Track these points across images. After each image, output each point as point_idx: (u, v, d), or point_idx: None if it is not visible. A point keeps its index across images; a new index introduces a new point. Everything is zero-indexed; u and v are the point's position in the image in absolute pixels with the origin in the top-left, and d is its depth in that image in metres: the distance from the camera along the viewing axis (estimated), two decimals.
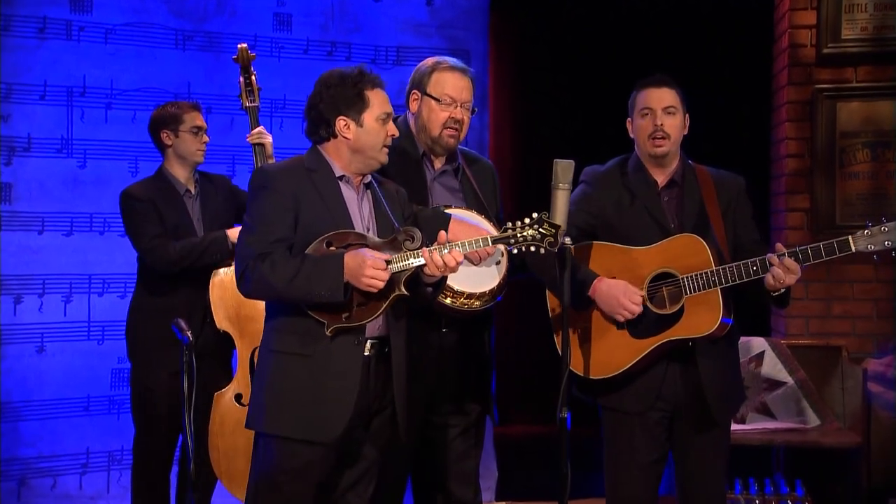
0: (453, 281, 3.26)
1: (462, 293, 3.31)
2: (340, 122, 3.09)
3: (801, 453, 4.76)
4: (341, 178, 3.12)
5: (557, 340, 3.42)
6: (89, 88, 5.08)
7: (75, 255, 5.07)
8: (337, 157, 3.12)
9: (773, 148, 5.42)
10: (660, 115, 3.36)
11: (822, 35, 5.04)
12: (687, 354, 3.33)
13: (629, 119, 3.47)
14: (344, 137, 3.09)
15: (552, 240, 3.03)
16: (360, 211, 3.12)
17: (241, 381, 3.99)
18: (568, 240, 3.13)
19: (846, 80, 5.06)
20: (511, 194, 5.75)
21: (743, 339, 4.71)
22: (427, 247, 3.01)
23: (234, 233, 3.99)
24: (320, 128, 3.11)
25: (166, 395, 4.04)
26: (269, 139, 4.14)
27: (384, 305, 3.00)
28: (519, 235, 3.04)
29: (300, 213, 3.03)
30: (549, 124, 6.16)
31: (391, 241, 3.03)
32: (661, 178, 3.43)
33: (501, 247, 3.29)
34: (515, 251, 3.06)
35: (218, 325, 3.97)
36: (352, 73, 3.09)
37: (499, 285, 3.37)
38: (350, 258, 2.95)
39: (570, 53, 6.11)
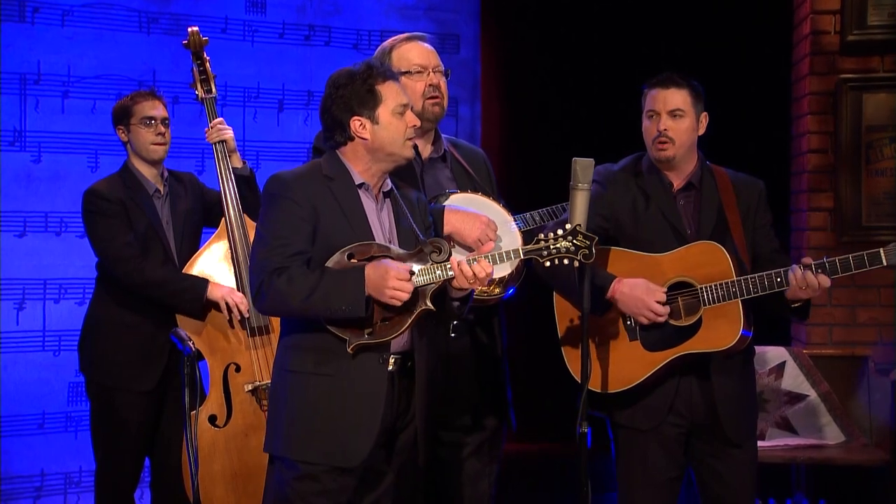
0: None
1: (491, 280, 3.26)
2: (355, 123, 3.11)
3: (825, 472, 4.76)
4: (361, 186, 3.14)
5: (565, 351, 3.44)
6: (45, 75, 5.02)
7: (29, 257, 5.02)
8: (356, 161, 3.14)
9: (794, 143, 5.41)
10: (664, 118, 3.41)
11: (846, 21, 5.00)
12: (701, 367, 3.37)
13: None
14: (361, 138, 3.11)
15: (587, 252, 3.06)
16: (381, 222, 3.15)
17: (214, 401, 3.96)
18: None
19: (872, 69, 5.04)
20: (503, 186, 5.76)
21: (761, 348, 4.74)
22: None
23: (216, 289, 3.94)
24: (336, 132, 3.14)
25: (138, 418, 4.00)
26: (229, 133, 4.10)
27: (409, 321, 3.03)
28: (552, 247, 3.06)
29: (318, 224, 3.06)
30: (545, 114, 6.19)
31: (417, 254, 3.06)
32: (676, 180, 3.47)
33: (516, 232, 3.36)
34: (548, 264, 3.07)
35: None
36: (360, 70, 3.12)
37: (517, 269, 3.39)
38: (371, 270, 2.98)
39: (568, 39, 6.12)
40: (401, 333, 3.02)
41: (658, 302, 3.28)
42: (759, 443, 4.53)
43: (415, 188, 3.41)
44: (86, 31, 5.05)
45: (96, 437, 4.09)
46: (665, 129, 3.39)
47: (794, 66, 5.39)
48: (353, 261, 3.02)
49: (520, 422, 3.63)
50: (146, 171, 4.10)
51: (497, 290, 3.38)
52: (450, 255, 3.02)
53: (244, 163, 4.15)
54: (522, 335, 4.25)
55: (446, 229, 3.28)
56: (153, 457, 4.12)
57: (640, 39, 5.73)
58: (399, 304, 2.96)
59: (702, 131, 3.47)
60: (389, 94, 3.09)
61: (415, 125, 3.12)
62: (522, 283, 3.48)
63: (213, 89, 4.12)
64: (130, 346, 4.00)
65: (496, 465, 3.63)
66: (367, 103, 3.07)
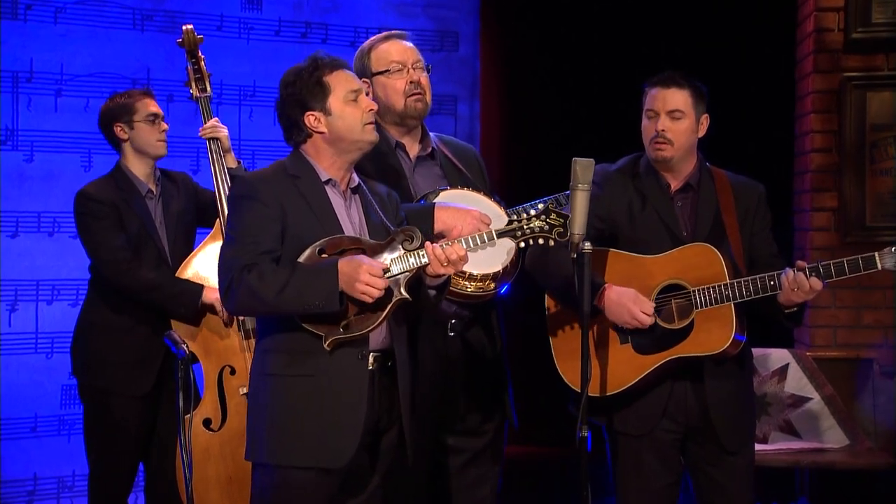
0: (471, 266, 3.31)
1: (486, 275, 3.36)
2: (310, 118, 3.14)
3: (829, 476, 4.77)
4: (328, 182, 3.16)
5: (556, 354, 3.46)
6: (37, 73, 5.06)
7: (21, 258, 5.05)
8: (319, 157, 3.17)
9: (797, 142, 5.45)
10: (663, 119, 3.43)
11: (850, 18, 5.03)
12: (695, 371, 3.39)
13: None
14: (318, 133, 3.14)
15: (561, 230, 3.10)
16: (350, 218, 3.17)
17: (208, 405, 3.99)
18: (588, 244, 3.17)
19: (877, 67, 5.07)
20: (503, 185, 5.78)
21: (764, 350, 4.75)
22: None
23: (210, 293, 3.97)
24: (293, 131, 3.18)
25: (132, 422, 4.03)
26: (224, 132, 4.14)
27: (385, 313, 3.04)
28: (526, 227, 3.10)
29: (287, 223, 3.08)
30: (545, 113, 6.18)
31: (388, 243, 3.07)
32: (674, 181, 3.50)
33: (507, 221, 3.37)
34: (522, 244, 3.13)
35: None
36: (307, 64, 3.17)
37: (512, 264, 3.42)
38: (345, 264, 3.00)
39: (568, 38, 6.13)
40: (377, 326, 3.03)
41: (644, 312, 3.29)
42: (762, 446, 4.58)
43: (404, 188, 3.46)
44: (79, 29, 5.08)
45: (90, 442, 4.12)
46: (663, 130, 3.40)
47: (798, 64, 5.42)
48: (323, 255, 3.03)
49: (519, 424, 3.64)
50: (139, 171, 4.13)
51: (492, 286, 3.41)
52: (423, 242, 3.03)
53: (239, 162, 4.18)
54: (520, 336, 4.27)
55: (437, 227, 3.28)
56: (148, 461, 4.15)
57: (640, 39, 5.74)
58: (370, 300, 2.97)
59: (702, 133, 3.49)
60: (338, 82, 3.11)
61: (371, 109, 3.13)
62: (520, 283, 3.51)
63: (208, 88, 4.15)
64: (124, 350, 4.04)
65: (499, 467, 3.65)
66: (317, 96, 3.09)
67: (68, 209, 4.17)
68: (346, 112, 3.10)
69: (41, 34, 5.03)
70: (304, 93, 3.10)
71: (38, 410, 5.04)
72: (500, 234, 3.11)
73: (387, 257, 3.03)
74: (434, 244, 3.03)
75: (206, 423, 3.96)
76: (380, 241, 3.08)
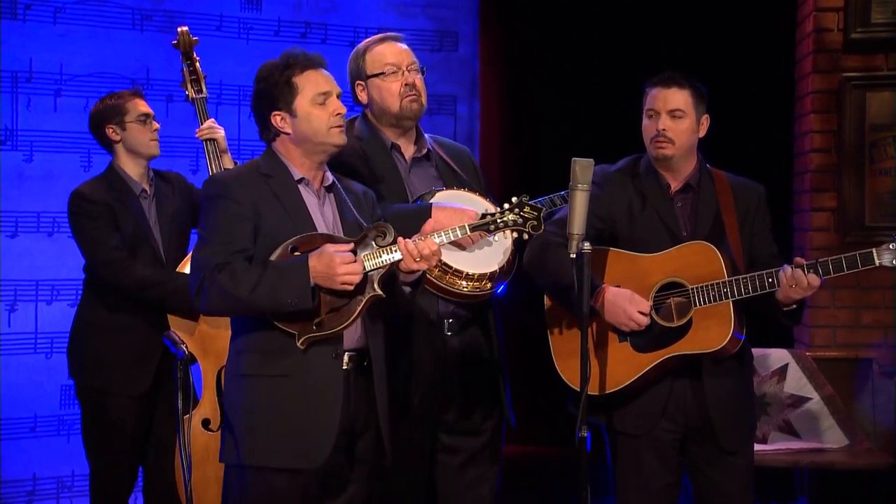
0: (467, 266, 3.34)
1: (482, 275, 3.37)
2: (276, 118, 3.13)
3: (828, 476, 4.78)
4: (300, 181, 3.16)
5: (555, 353, 3.47)
6: (37, 73, 5.07)
7: (21, 258, 5.07)
8: (289, 156, 3.17)
9: (797, 142, 5.46)
10: (664, 118, 3.44)
11: (849, 18, 5.04)
12: (694, 370, 3.40)
13: None
14: (284, 133, 3.13)
15: (535, 223, 3.10)
16: (324, 216, 3.16)
17: (207, 405, 4.00)
18: (587, 244, 3.18)
19: (876, 67, 5.08)
20: (502, 185, 5.76)
21: (764, 351, 4.76)
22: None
23: None
24: (263, 129, 3.17)
25: (130, 422, 4.04)
26: (220, 133, 4.17)
27: (358, 310, 3.03)
28: (500, 221, 3.11)
29: (260, 223, 3.07)
30: (545, 113, 6.19)
31: (361, 240, 3.06)
32: (674, 182, 3.51)
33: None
34: (497, 238, 3.16)
35: None
36: (279, 62, 3.14)
37: (508, 264, 3.43)
38: (315, 259, 2.98)
39: (568, 38, 6.13)
40: (351, 323, 3.01)
41: (641, 312, 3.30)
42: (762, 446, 4.58)
43: (400, 189, 3.47)
44: (78, 29, 5.10)
45: (88, 442, 4.13)
46: (664, 129, 3.42)
47: (797, 64, 5.43)
48: (296, 253, 3.02)
49: (518, 424, 3.65)
50: (133, 172, 4.13)
51: (488, 286, 3.42)
52: (395, 238, 3.02)
53: (236, 163, 4.19)
54: (517, 336, 4.28)
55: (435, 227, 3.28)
56: (146, 461, 4.16)
57: (640, 39, 5.75)
58: (351, 288, 2.96)
59: (702, 133, 3.50)
60: (307, 83, 3.09)
61: (339, 112, 3.11)
62: (516, 283, 3.52)
63: (204, 89, 4.17)
64: (121, 349, 4.04)
65: (497, 467, 3.66)
66: (285, 96, 3.08)
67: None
68: (312, 114, 3.09)
69: (41, 34, 5.04)
70: (272, 92, 3.09)
71: (38, 410, 5.05)
72: (474, 228, 3.11)
73: (359, 254, 3.01)
74: (407, 239, 3.02)
75: (205, 423, 3.96)
76: (353, 238, 3.07)
